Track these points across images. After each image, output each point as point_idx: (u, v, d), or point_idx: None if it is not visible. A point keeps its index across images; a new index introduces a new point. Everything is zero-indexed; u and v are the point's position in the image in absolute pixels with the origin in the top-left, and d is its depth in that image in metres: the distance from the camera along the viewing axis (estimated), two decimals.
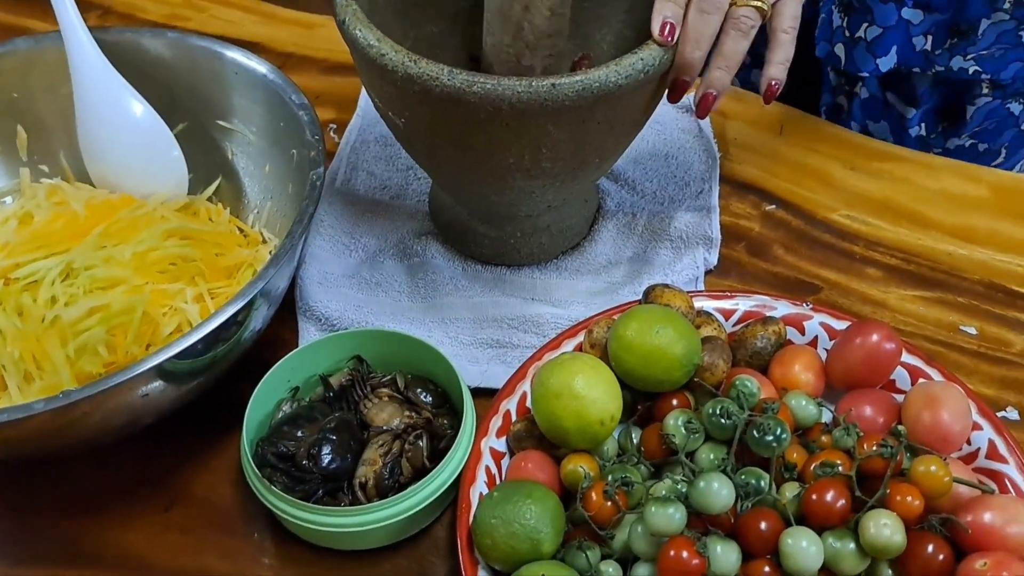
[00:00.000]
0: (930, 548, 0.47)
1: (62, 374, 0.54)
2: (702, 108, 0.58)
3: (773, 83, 0.57)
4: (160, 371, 0.48)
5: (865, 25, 0.72)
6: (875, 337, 0.55)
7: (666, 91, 0.56)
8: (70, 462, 0.58)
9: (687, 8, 0.53)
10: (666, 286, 0.59)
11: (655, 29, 0.52)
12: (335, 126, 0.77)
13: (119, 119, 0.64)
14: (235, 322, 0.51)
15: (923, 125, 0.78)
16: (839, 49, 0.74)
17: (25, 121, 0.66)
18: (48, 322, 0.55)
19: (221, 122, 0.66)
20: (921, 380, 0.56)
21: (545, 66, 0.57)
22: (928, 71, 0.74)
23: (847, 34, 0.73)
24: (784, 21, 0.56)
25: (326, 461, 0.53)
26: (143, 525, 0.56)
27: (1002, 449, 0.54)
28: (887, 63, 0.72)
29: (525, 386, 0.57)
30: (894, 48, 0.72)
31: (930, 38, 0.72)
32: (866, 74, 0.74)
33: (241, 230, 0.66)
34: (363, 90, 0.78)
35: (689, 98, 0.71)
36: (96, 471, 0.58)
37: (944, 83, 0.75)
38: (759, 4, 0.54)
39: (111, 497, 0.57)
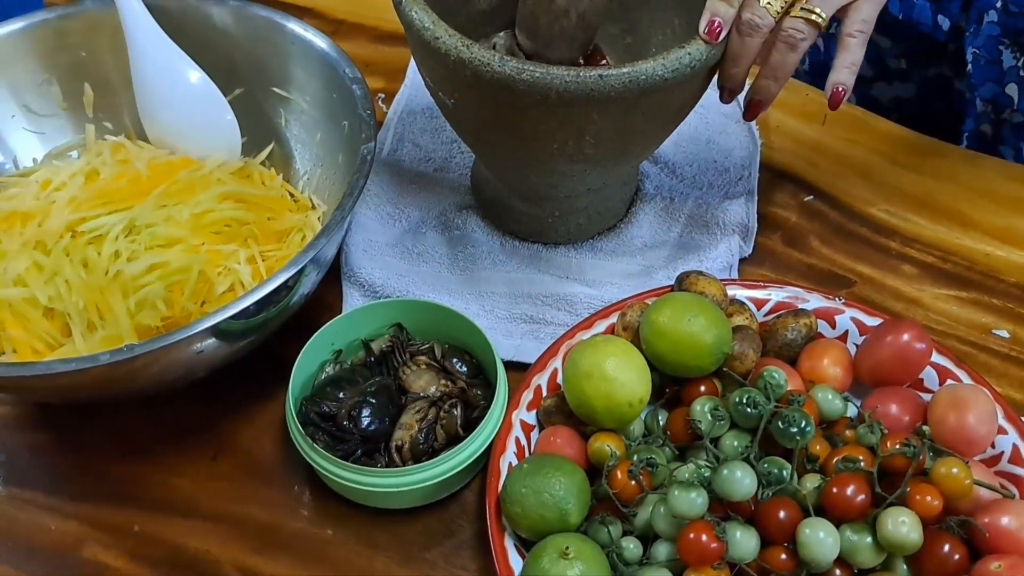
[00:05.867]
0: (946, 548, 0.48)
1: (122, 326, 0.56)
2: (750, 112, 0.58)
3: (839, 88, 0.55)
4: (216, 330, 0.51)
5: None
6: (906, 336, 0.56)
7: (716, 87, 0.57)
8: (125, 409, 0.61)
9: (738, 15, 0.52)
10: (700, 273, 0.60)
11: (703, 27, 0.53)
12: (383, 96, 0.78)
13: (172, 85, 0.66)
14: (286, 287, 0.53)
15: None
16: (1011, 89, 0.70)
17: (92, 79, 0.68)
18: (111, 275, 0.57)
19: (277, 89, 0.68)
20: (949, 381, 0.57)
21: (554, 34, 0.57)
22: None
23: (1021, 74, 0.70)
24: (852, 24, 0.54)
25: (365, 423, 0.56)
26: (191, 471, 0.59)
27: None
28: None
29: (556, 363, 0.58)
30: None
31: None
32: None
33: (292, 195, 0.68)
34: (411, 61, 0.79)
35: None
36: (149, 419, 0.61)
37: None
38: (814, 18, 0.53)
39: (162, 444, 0.60)
